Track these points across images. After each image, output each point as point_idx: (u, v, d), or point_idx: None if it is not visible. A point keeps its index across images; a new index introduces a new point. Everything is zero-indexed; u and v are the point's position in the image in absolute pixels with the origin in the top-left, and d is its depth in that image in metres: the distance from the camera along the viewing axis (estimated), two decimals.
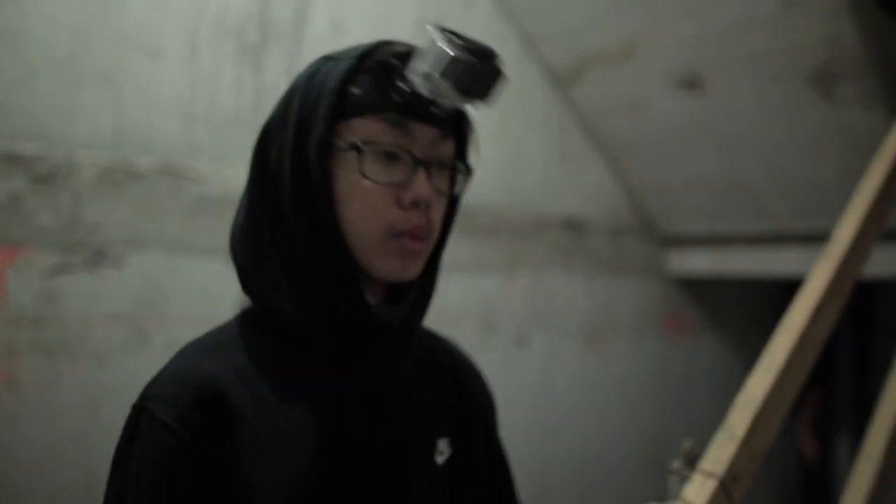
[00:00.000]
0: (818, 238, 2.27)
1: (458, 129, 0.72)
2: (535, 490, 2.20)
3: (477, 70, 0.62)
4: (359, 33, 1.77)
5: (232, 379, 0.65)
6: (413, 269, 0.69)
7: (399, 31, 1.83)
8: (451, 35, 0.62)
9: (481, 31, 2.08)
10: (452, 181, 0.71)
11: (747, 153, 2.18)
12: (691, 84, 2.06)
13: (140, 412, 0.64)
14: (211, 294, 1.54)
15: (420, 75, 0.63)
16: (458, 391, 0.82)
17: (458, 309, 2.02)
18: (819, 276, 1.09)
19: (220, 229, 1.58)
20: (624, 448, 2.56)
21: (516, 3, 2.14)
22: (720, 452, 0.87)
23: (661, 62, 2.05)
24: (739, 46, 1.91)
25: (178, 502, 0.61)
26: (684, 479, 0.90)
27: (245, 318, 0.73)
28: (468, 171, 0.72)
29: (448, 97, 0.63)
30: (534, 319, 2.23)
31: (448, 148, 0.70)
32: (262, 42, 1.65)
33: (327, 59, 0.70)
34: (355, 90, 0.65)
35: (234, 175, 1.58)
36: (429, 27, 0.63)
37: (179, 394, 0.63)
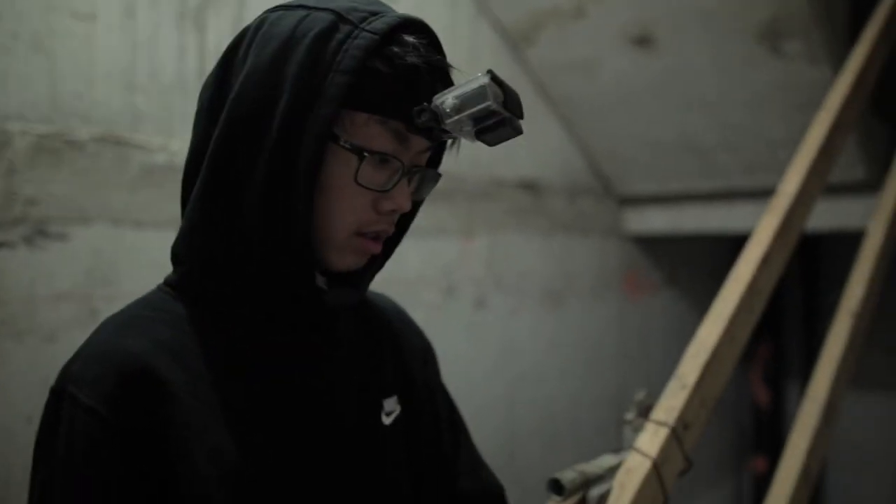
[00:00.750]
0: (768, 193, 2.34)
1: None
2: (500, 446, 2.24)
3: (501, 122, 0.62)
4: None
5: (159, 354, 0.61)
6: (364, 262, 0.70)
7: None
8: (497, 84, 0.61)
9: None
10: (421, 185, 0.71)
11: (698, 111, 2.21)
12: (643, 41, 2.07)
13: (60, 397, 0.60)
14: (161, 267, 1.48)
15: (451, 109, 0.61)
16: (396, 346, 0.83)
17: (417, 274, 2.01)
18: (765, 228, 1.12)
19: (168, 201, 1.53)
20: (585, 403, 2.62)
21: None
22: (671, 401, 0.90)
23: (612, 20, 2.05)
24: (689, 2, 1.91)
25: (109, 490, 0.57)
26: (638, 429, 0.93)
27: (170, 289, 0.70)
28: (437, 175, 0.72)
29: (463, 135, 0.64)
30: (493, 282, 2.24)
31: (426, 156, 0.70)
32: (203, 3, 1.58)
33: (340, 17, 0.62)
34: (370, 79, 0.61)
35: (180, 144, 1.53)
36: (480, 74, 0.62)
37: (102, 374, 0.59)
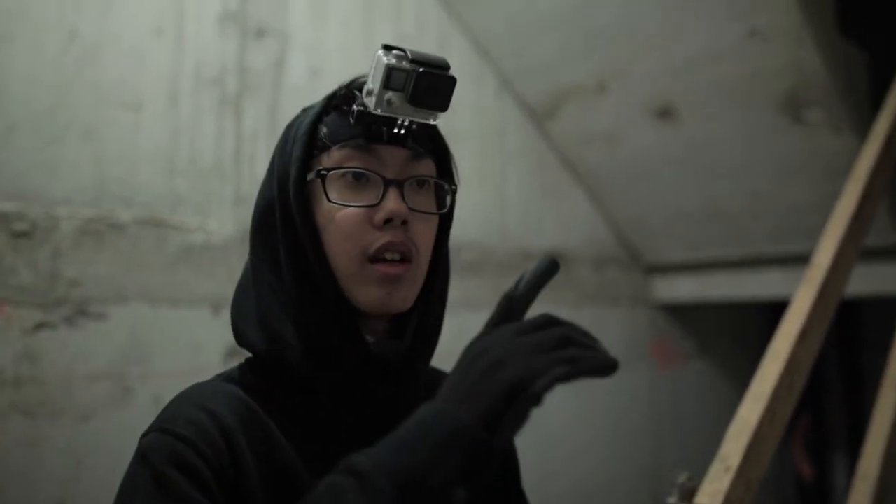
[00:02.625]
0: (796, 259, 2.31)
1: (435, 148, 0.72)
2: None
3: (418, 76, 0.63)
4: (337, 80, 1.79)
5: (242, 412, 0.63)
6: (398, 297, 0.66)
7: None
8: (391, 49, 0.64)
9: (458, 71, 2.10)
10: (440, 201, 0.70)
11: (723, 180, 2.22)
12: (665, 114, 2.11)
13: (152, 436, 0.60)
14: (196, 345, 1.52)
15: (367, 94, 0.64)
16: None
17: (446, 351, 2.00)
18: (801, 300, 1.11)
19: (204, 279, 1.57)
20: (617, 476, 2.53)
21: (491, 43, 2.19)
22: (716, 484, 0.87)
23: (633, 94, 2.10)
24: (708, 76, 1.96)
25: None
26: None
27: (245, 367, 0.72)
28: (449, 186, 0.71)
29: (399, 110, 0.64)
30: None
31: (425, 167, 0.69)
32: (240, 91, 1.66)
33: (304, 110, 0.72)
34: (323, 129, 0.68)
35: (217, 224, 1.58)
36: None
37: (193, 415, 0.60)
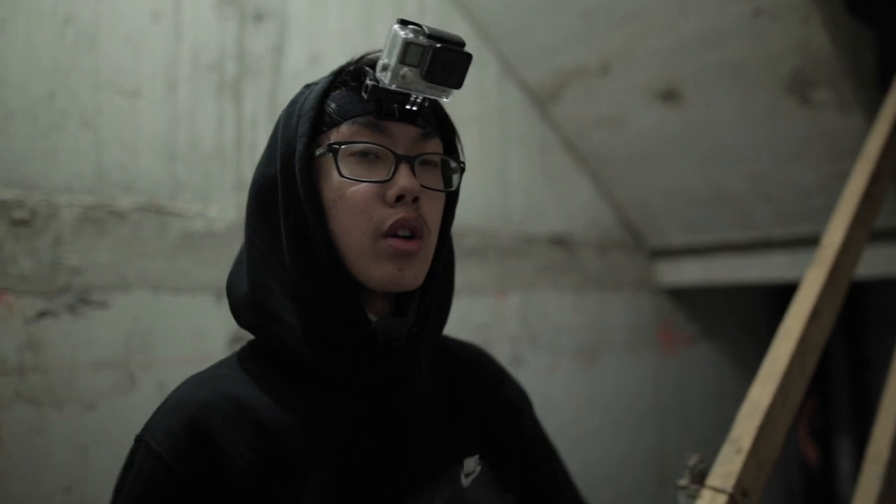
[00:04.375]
0: (803, 242, 2.30)
1: (442, 128, 0.72)
2: None
3: (434, 52, 0.62)
4: (336, 64, 1.77)
5: (230, 409, 0.63)
6: (410, 274, 0.65)
7: None
8: (407, 24, 0.63)
9: None
10: (447, 180, 0.70)
11: (728, 162, 2.20)
12: (669, 96, 2.08)
13: (139, 443, 0.64)
14: (200, 332, 1.51)
15: (382, 69, 0.63)
16: (483, 401, 0.78)
17: (451, 334, 1.99)
18: (812, 279, 1.09)
19: (206, 266, 1.56)
20: (624, 461, 2.53)
21: (493, 27, 2.16)
22: (728, 466, 0.86)
23: (637, 76, 2.08)
24: (714, 57, 1.93)
25: None
26: (693, 496, 0.88)
27: (247, 349, 0.72)
28: (458, 165, 0.71)
29: (413, 85, 0.63)
30: (528, 339, 2.21)
31: (434, 145, 0.69)
32: (240, 76, 1.64)
33: (307, 86, 0.71)
34: (332, 104, 0.67)
35: (219, 211, 1.56)
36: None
37: (173, 425, 0.62)
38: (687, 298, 2.82)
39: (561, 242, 2.34)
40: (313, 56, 1.76)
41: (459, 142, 0.74)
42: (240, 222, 1.58)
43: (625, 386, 2.56)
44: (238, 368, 0.69)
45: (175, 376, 1.57)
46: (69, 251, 1.37)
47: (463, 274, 2.04)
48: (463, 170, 0.71)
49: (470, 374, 0.80)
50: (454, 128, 0.74)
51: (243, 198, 1.67)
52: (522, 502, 0.77)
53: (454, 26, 2.09)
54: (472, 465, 0.72)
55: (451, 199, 0.72)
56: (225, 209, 1.57)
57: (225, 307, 1.61)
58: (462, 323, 2.03)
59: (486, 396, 0.79)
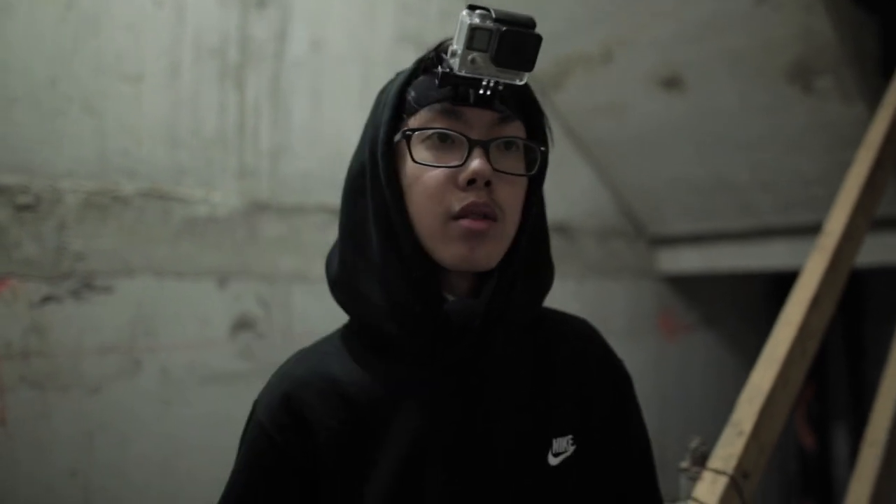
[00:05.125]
0: (803, 230, 2.30)
1: (524, 111, 0.71)
2: None
3: (501, 35, 0.62)
4: (338, 50, 1.77)
5: (322, 385, 0.68)
6: (481, 253, 0.65)
7: (378, 46, 1.83)
8: (476, 8, 0.64)
9: None
10: (529, 164, 0.70)
11: (729, 150, 2.20)
12: (671, 83, 2.08)
13: (251, 414, 0.70)
14: (203, 318, 1.51)
15: (452, 55, 0.64)
16: (581, 379, 0.76)
17: None
18: (813, 267, 1.10)
19: (209, 252, 1.56)
20: None
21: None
22: (729, 449, 0.87)
23: (640, 64, 2.07)
24: (716, 45, 1.93)
25: (265, 490, 0.66)
26: (694, 478, 0.90)
27: (346, 327, 0.76)
28: (539, 149, 0.70)
29: (483, 70, 0.64)
30: None
31: (514, 129, 0.68)
32: (242, 62, 1.64)
33: (397, 74, 0.73)
34: (412, 92, 0.69)
35: (221, 196, 1.57)
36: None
37: (273, 400, 0.68)
38: (687, 286, 2.83)
39: (561, 230, 2.34)
40: (316, 42, 1.75)
41: (548, 125, 0.74)
42: (243, 208, 1.58)
43: None
44: (335, 345, 0.73)
45: (179, 361, 1.58)
46: (73, 236, 1.37)
47: None
48: (546, 153, 0.71)
49: (570, 351, 0.79)
50: (541, 110, 0.73)
51: (246, 184, 1.68)
52: (610, 488, 0.76)
53: (457, 15, 2.08)
54: (563, 444, 0.71)
55: (537, 181, 0.72)
56: (228, 195, 1.57)
57: (228, 293, 1.62)
58: None
59: (584, 375, 0.77)
